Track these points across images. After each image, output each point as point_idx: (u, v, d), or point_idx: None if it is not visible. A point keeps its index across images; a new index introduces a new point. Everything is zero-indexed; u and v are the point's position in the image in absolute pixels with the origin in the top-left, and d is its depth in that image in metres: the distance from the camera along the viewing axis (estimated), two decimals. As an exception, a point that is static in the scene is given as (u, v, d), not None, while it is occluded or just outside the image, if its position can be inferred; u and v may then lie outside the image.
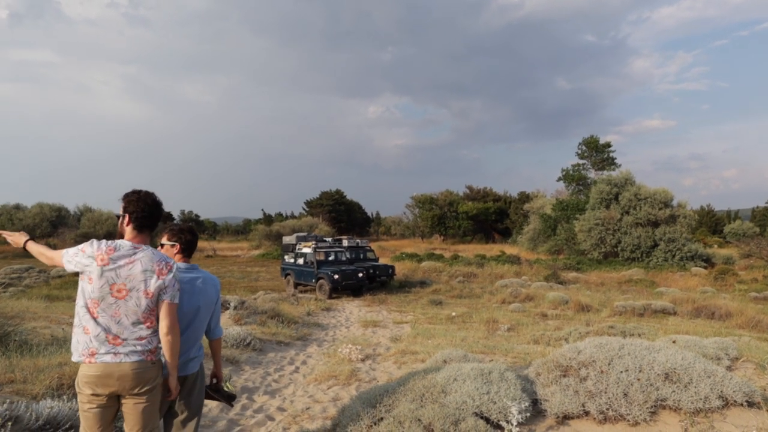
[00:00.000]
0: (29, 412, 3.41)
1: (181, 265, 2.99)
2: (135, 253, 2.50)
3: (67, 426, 3.54)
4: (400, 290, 17.92)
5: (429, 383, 3.79)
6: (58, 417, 3.53)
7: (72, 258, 2.46)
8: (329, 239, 19.77)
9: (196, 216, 64.91)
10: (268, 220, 59.08)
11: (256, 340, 7.78)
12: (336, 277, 15.85)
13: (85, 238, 39.93)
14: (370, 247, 20.27)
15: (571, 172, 47.69)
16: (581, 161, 47.87)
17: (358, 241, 20.12)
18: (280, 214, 63.51)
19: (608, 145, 46.85)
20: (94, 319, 2.44)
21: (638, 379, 3.48)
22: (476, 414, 3.36)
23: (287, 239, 19.56)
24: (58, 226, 42.66)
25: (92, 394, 2.45)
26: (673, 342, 4.87)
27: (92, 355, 2.44)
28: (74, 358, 2.50)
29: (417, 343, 8.19)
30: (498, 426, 3.28)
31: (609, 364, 3.71)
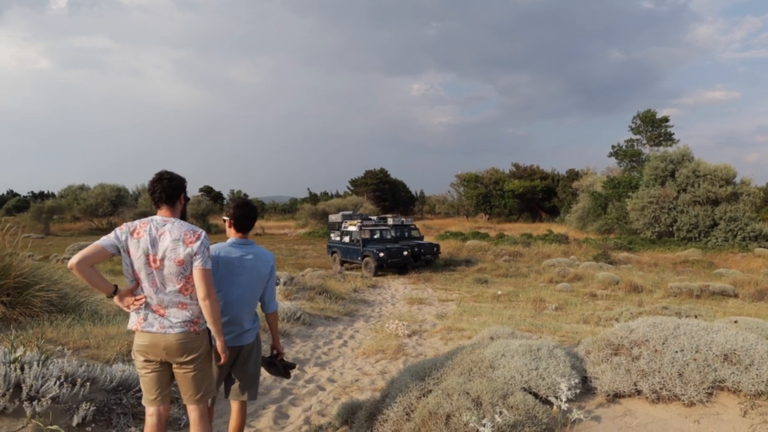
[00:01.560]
0: (104, 374, 3.70)
1: (235, 240, 3.11)
2: (164, 225, 2.64)
3: (137, 388, 3.82)
4: (444, 269, 17.94)
5: (477, 358, 3.83)
6: (129, 380, 3.81)
7: (111, 238, 2.58)
8: (374, 218, 19.94)
9: (245, 195, 66.72)
10: (313, 199, 60.02)
11: (305, 314, 8.03)
12: (381, 254, 16.02)
13: (143, 216, 41.79)
14: (414, 225, 20.32)
15: (623, 148, 45.83)
16: (635, 137, 45.87)
17: (403, 219, 20.19)
18: (325, 193, 64.38)
19: (666, 119, 44.60)
20: (141, 290, 2.63)
21: (695, 360, 3.39)
22: (524, 389, 3.38)
23: (333, 218, 19.87)
24: (118, 205, 44.80)
25: (144, 361, 2.67)
26: (735, 323, 4.70)
27: (140, 323, 2.64)
28: (128, 327, 2.73)
29: (463, 321, 8.23)
30: (547, 401, 3.30)
31: (663, 343, 3.63)
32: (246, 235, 3.16)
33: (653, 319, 4.06)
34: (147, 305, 2.63)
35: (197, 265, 2.60)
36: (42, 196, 63.52)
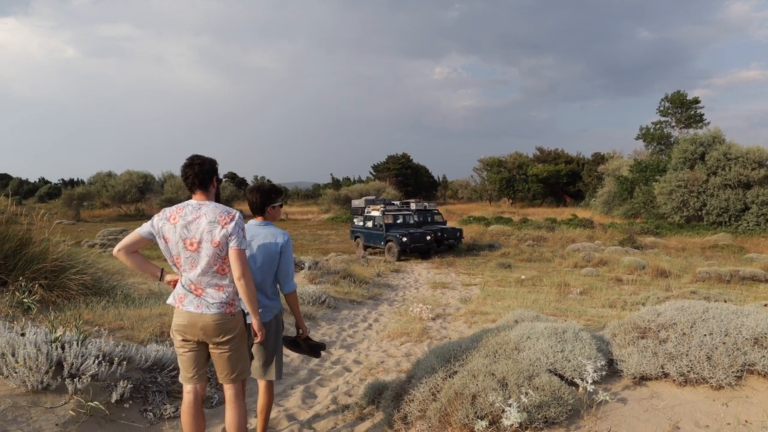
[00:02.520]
0: (139, 354, 3.84)
1: (254, 222, 3.21)
2: (200, 209, 2.70)
3: (171, 367, 3.96)
4: (468, 253, 17.91)
5: (502, 340, 3.86)
6: (163, 359, 3.95)
7: (148, 226, 2.71)
8: (397, 202, 19.95)
9: (268, 181, 67.33)
10: (336, 184, 60.25)
11: (330, 298, 8.14)
12: (404, 239, 16.07)
13: (169, 202, 42.64)
14: (437, 210, 20.29)
15: (651, 130, 44.69)
16: (663, 119, 44.66)
17: (426, 204, 20.16)
18: (347, 179, 64.55)
19: (696, 101, 43.27)
20: (179, 271, 2.74)
21: (723, 343, 3.36)
22: (550, 371, 3.40)
23: (356, 203, 19.95)
24: (145, 192, 45.75)
25: (182, 340, 2.77)
26: (765, 306, 4.62)
27: (180, 300, 2.72)
28: (168, 301, 2.82)
29: (487, 305, 8.24)
30: (572, 383, 3.31)
31: (691, 327, 3.60)
32: (263, 217, 3.23)
33: (681, 302, 4.01)
34: (185, 286, 2.71)
35: (232, 245, 2.64)
36: (72, 183, 65.22)
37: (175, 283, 2.80)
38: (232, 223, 2.66)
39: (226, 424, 2.85)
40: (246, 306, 2.74)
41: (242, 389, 2.95)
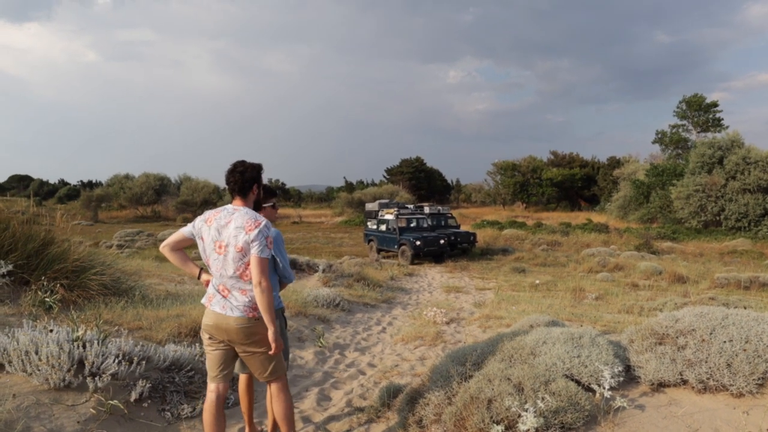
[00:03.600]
0: (158, 354, 3.89)
1: None
2: (233, 214, 2.78)
3: (188, 368, 4.01)
4: (481, 257, 17.84)
5: (517, 345, 3.84)
6: (180, 359, 4.00)
7: (189, 226, 2.88)
8: (411, 206, 19.96)
9: (283, 184, 67.79)
10: (350, 187, 60.41)
11: (344, 301, 8.17)
12: (418, 243, 16.06)
13: (185, 204, 43.13)
14: (451, 214, 20.25)
15: (668, 134, 44.17)
16: (681, 122, 44.12)
17: (440, 208, 20.14)
18: (361, 182, 64.69)
19: (714, 104, 42.71)
20: (211, 271, 2.86)
21: (744, 350, 3.31)
22: (566, 376, 3.38)
23: (370, 206, 19.99)
24: (162, 194, 46.31)
25: (209, 338, 2.88)
26: (785, 314, 4.54)
27: (209, 300, 2.85)
28: (202, 300, 2.96)
29: (501, 309, 8.21)
30: (589, 389, 3.29)
31: (711, 333, 3.56)
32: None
33: (700, 308, 3.97)
34: (215, 286, 2.83)
35: (253, 252, 2.69)
36: (90, 185, 66.24)
37: (208, 283, 2.92)
38: (256, 230, 2.71)
39: (275, 414, 2.98)
40: (262, 314, 2.73)
41: (284, 382, 3.00)
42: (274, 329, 2.75)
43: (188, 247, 2.97)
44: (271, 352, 2.82)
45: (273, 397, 2.96)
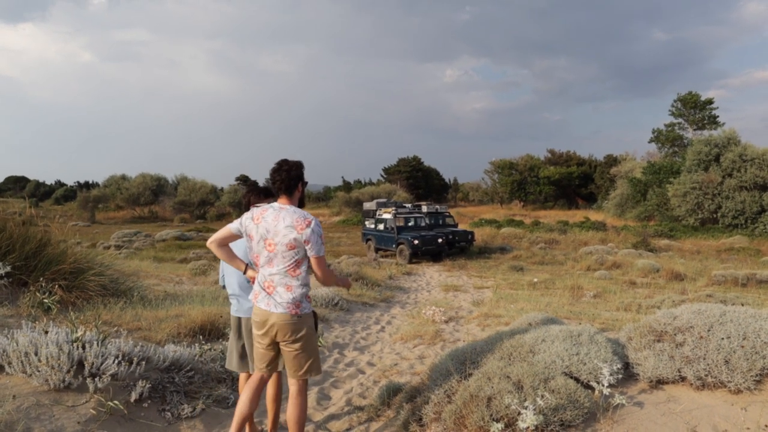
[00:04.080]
0: (157, 354, 3.89)
1: None
2: (280, 212, 2.83)
3: (188, 368, 4.01)
4: (479, 256, 17.86)
5: (516, 343, 3.86)
6: (180, 360, 4.00)
7: (237, 223, 2.91)
8: (408, 205, 19.97)
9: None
10: (347, 187, 60.37)
11: (343, 300, 8.17)
12: (416, 242, 16.07)
13: (182, 205, 43.05)
14: (449, 213, 20.26)
15: (664, 132, 44.25)
16: (676, 120, 44.22)
17: (437, 207, 20.15)
18: (358, 181, 64.63)
19: (710, 101, 42.80)
20: (257, 268, 2.92)
21: (742, 347, 3.33)
22: (565, 374, 3.40)
23: (368, 205, 19.99)
24: (159, 194, 46.20)
25: (258, 334, 2.94)
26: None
27: (255, 296, 2.91)
28: (249, 296, 3.04)
29: (500, 307, 8.23)
30: (588, 386, 3.30)
31: (709, 330, 3.57)
32: None
33: (698, 305, 3.99)
34: (261, 283, 2.88)
35: (311, 254, 2.82)
36: (87, 185, 66.06)
37: (254, 279, 2.97)
38: (308, 230, 2.78)
39: (288, 416, 2.97)
40: (334, 285, 3.06)
41: (305, 386, 3.04)
42: (347, 282, 3.19)
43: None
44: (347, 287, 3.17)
45: (292, 398, 2.97)
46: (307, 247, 2.80)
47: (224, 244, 2.91)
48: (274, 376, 3.34)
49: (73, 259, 5.79)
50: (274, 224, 2.79)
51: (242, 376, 3.40)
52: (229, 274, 3.32)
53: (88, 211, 41.78)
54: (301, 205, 2.99)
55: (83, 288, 5.58)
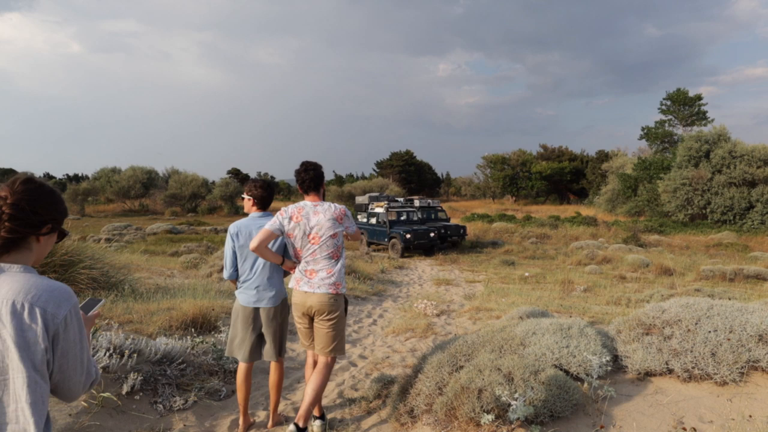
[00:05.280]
0: (149, 347, 3.88)
1: (256, 214, 3.40)
2: (316, 208, 3.21)
3: (180, 360, 4.00)
4: (471, 250, 17.93)
5: (507, 336, 3.89)
6: (172, 353, 4.00)
7: (276, 224, 3.15)
8: (401, 199, 19.99)
9: (272, 177, 67.50)
10: (339, 181, 60.29)
11: (335, 293, 8.18)
12: (408, 236, 16.10)
13: (173, 198, 42.76)
14: (441, 207, 20.30)
15: (654, 129, 44.54)
16: (666, 117, 44.52)
17: (430, 201, 20.18)
18: (351, 175, 64.56)
19: (698, 97, 43.13)
20: (299, 260, 3.25)
21: (728, 340, 3.39)
22: (555, 366, 3.44)
23: (360, 199, 19.98)
24: (149, 187, 45.80)
25: (298, 315, 3.28)
26: (768, 304, 4.63)
27: (297, 282, 3.24)
28: (290, 285, 3.32)
29: (491, 301, 8.28)
30: (578, 378, 3.35)
31: (696, 323, 3.63)
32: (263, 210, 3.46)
33: (686, 299, 4.04)
34: (302, 271, 3.22)
35: (350, 231, 3.33)
36: (76, 178, 65.40)
37: (291, 268, 3.28)
38: (346, 217, 3.28)
39: (308, 384, 3.25)
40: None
41: (332, 363, 3.35)
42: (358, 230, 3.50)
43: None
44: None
45: (317, 371, 3.27)
46: (346, 230, 3.28)
47: (266, 245, 3.14)
48: (276, 365, 3.46)
49: (63, 251, 5.75)
50: (316, 219, 3.18)
51: (241, 367, 3.42)
52: (255, 268, 3.35)
53: (77, 204, 41.35)
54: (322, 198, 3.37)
55: (74, 281, 5.55)
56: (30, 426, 1.26)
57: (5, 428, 1.27)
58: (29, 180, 1.40)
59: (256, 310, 3.36)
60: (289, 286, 3.31)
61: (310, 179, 3.22)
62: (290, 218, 3.16)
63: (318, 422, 3.44)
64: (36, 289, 1.31)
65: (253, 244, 3.06)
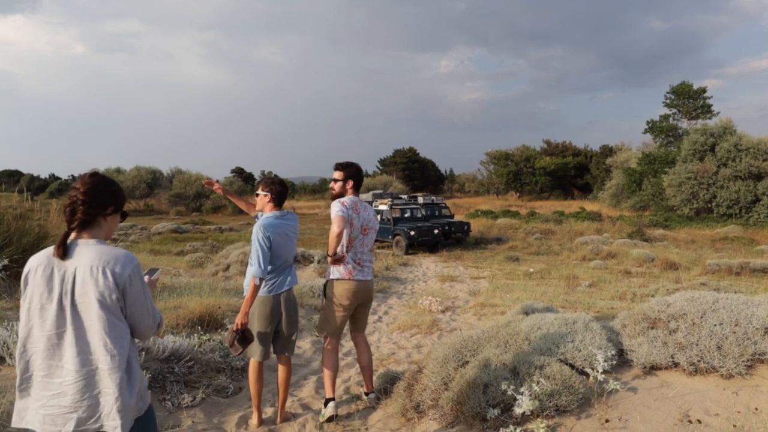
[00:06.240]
0: (157, 345, 3.92)
1: (275, 213, 3.40)
2: (362, 203, 3.65)
3: (188, 358, 4.04)
4: (475, 247, 17.92)
5: (512, 331, 3.91)
6: (180, 350, 4.03)
7: (344, 211, 3.47)
8: (405, 196, 19.98)
9: (276, 176, 67.65)
10: (343, 178, 60.26)
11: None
12: (412, 233, 16.10)
13: (177, 198, 42.91)
14: (445, 204, 20.29)
15: (658, 123, 44.31)
16: (670, 111, 44.27)
17: (433, 198, 20.17)
18: (354, 173, 64.50)
19: (703, 90, 42.85)
20: (350, 250, 3.58)
21: (734, 333, 3.39)
22: (561, 360, 3.45)
23: (364, 197, 20.00)
24: (154, 187, 45.99)
25: (349, 304, 3.62)
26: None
27: (350, 273, 3.59)
28: (338, 277, 3.60)
29: (496, 297, 8.28)
30: (583, 372, 3.35)
31: (702, 317, 3.63)
32: (281, 208, 3.50)
33: (691, 293, 4.04)
34: (354, 260, 3.61)
35: (376, 227, 3.81)
36: (81, 179, 65.53)
37: (342, 257, 3.58)
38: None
39: (365, 362, 3.92)
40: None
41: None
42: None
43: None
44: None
45: (365, 347, 3.94)
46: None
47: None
48: (285, 362, 3.54)
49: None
50: (366, 214, 3.66)
51: (253, 363, 3.45)
52: (288, 251, 3.44)
53: (83, 204, 41.57)
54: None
55: (81, 280, 5.59)
56: (114, 355, 1.71)
57: (96, 360, 1.70)
58: (95, 174, 1.82)
59: (278, 297, 3.39)
60: (332, 277, 3.60)
61: (360, 179, 3.68)
62: (353, 209, 3.54)
63: (371, 396, 3.96)
64: (107, 256, 1.73)
65: (337, 229, 3.42)
